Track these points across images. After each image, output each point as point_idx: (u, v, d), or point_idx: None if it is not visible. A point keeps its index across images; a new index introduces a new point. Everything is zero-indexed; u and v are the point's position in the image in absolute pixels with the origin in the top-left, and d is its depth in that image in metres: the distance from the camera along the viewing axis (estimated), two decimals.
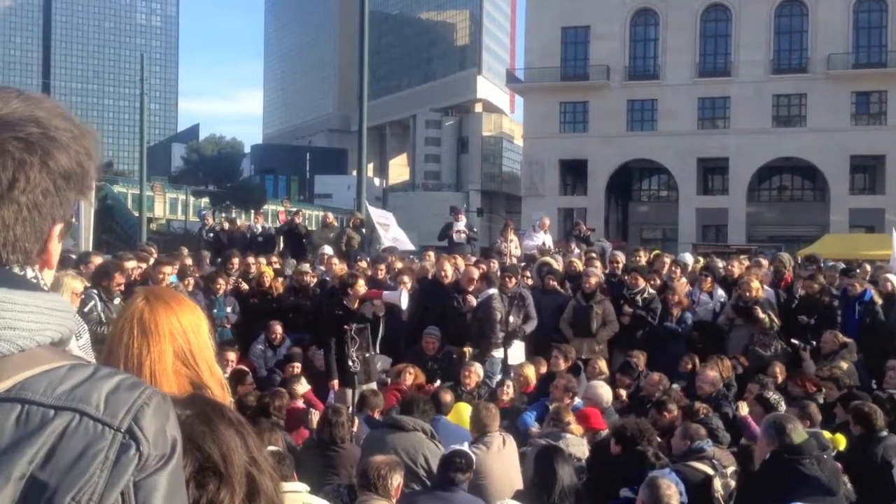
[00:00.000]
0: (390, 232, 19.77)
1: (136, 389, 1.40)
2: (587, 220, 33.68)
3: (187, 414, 1.80)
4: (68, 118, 1.49)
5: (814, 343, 13.39)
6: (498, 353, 13.52)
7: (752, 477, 7.14)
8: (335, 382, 11.25)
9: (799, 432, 6.92)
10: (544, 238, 20.49)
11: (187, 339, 2.69)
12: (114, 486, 1.32)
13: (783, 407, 9.34)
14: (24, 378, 1.37)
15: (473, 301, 13.65)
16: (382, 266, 15.36)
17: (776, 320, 13.49)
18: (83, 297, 9.82)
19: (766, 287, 14.59)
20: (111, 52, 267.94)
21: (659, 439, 8.39)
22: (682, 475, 7.13)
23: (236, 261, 16.11)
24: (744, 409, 9.88)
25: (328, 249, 17.93)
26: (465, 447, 7.71)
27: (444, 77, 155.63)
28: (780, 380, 11.57)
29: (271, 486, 1.85)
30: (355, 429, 9.29)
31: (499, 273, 14.73)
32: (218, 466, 1.77)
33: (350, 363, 10.53)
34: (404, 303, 11.57)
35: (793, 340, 13.46)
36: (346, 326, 10.69)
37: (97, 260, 12.68)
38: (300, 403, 11.01)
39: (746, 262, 17.47)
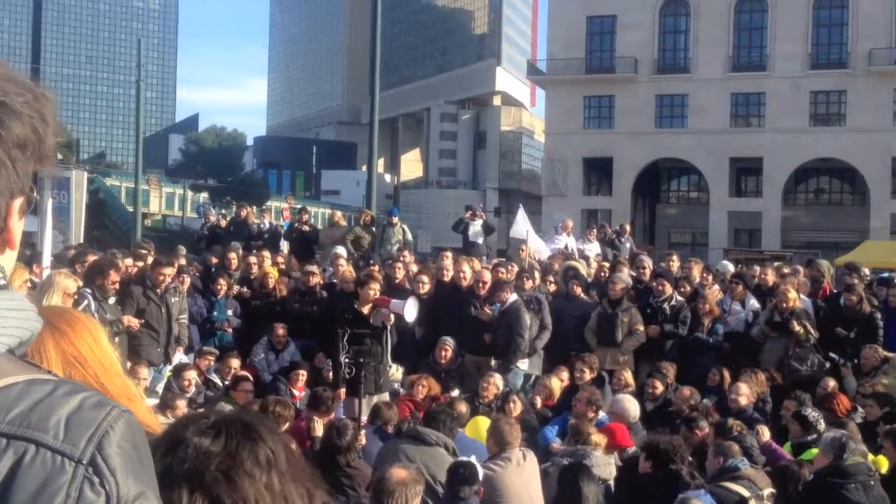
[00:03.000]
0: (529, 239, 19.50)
1: (100, 410, 1.32)
2: (612, 222, 33.59)
3: (213, 452, 1.73)
4: (20, 82, 1.42)
5: (856, 360, 13.30)
6: (524, 365, 13.52)
7: (793, 497, 7.14)
8: (342, 392, 11.21)
9: (857, 456, 6.91)
10: (567, 241, 20.43)
11: (83, 363, 2.46)
12: None
13: (822, 425, 9.34)
14: None
15: (487, 311, 13.56)
16: (399, 265, 15.24)
17: (812, 332, 13.45)
18: (76, 296, 9.84)
19: (802, 297, 14.54)
20: (106, 36, 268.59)
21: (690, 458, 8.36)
22: (715, 497, 7.12)
23: (233, 256, 15.90)
24: (765, 434, 9.87)
25: (341, 251, 17.69)
26: (473, 460, 7.66)
27: (460, 68, 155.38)
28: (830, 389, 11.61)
29: None
30: (362, 442, 9.20)
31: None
32: None
33: (346, 371, 10.49)
34: (409, 314, 11.48)
35: (831, 355, 13.42)
36: (338, 330, 10.67)
37: (91, 258, 12.71)
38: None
39: (786, 269, 17.36)
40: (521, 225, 19.08)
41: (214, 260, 16.75)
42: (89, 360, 2.45)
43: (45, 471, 1.24)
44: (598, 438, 9.24)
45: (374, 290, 11.66)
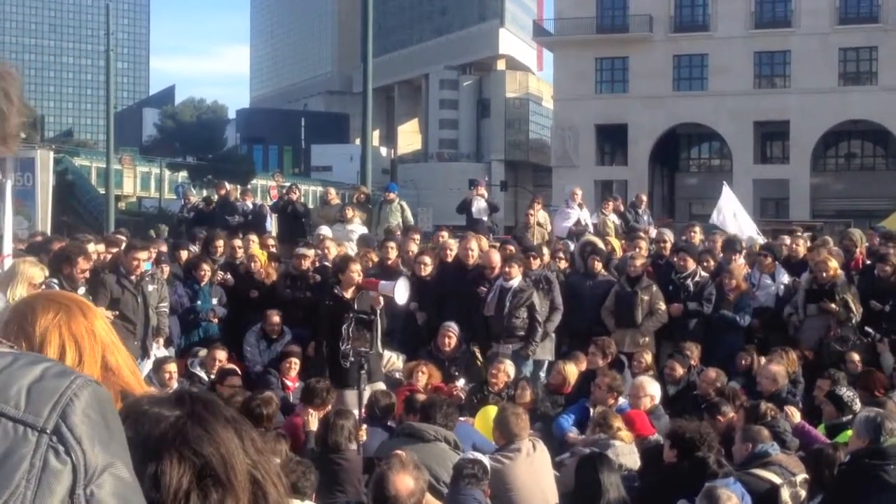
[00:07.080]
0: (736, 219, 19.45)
1: (63, 379, 1.35)
2: (628, 193, 33.60)
3: (177, 415, 1.79)
4: None
5: (893, 336, 13.27)
6: (543, 353, 13.51)
7: (828, 482, 7.18)
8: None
9: (895, 437, 6.95)
10: (580, 214, 20.31)
11: (100, 343, 2.61)
12: (44, 498, 1.28)
13: (858, 405, 9.36)
14: None
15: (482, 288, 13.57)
16: (391, 245, 15.21)
17: (854, 309, 13.37)
18: (43, 287, 9.79)
19: None
20: (71, 2, 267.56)
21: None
22: (745, 485, 7.16)
23: (220, 242, 15.84)
24: (795, 416, 9.87)
25: (326, 230, 17.77)
26: (483, 458, 7.67)
27: (460, 30, 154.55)
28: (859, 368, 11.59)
29: (275, 492, 1.84)
30: (364, 437, 9.13)
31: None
32: (218, 473, 1.76)
33: (343, 360, 10.49)
34: (400, 296, 11.45)
35: (867, 329, 13.37)
36: (343, 316, 10.66)
37: (58, 245, 12.55)
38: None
39: (827, 238, 17.31)
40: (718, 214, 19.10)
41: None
42: (103, 339, 2.62)
43: (6, 441, 1.28)
44: (626, 435, 9.26)
45: (356, 272, 11.61)
